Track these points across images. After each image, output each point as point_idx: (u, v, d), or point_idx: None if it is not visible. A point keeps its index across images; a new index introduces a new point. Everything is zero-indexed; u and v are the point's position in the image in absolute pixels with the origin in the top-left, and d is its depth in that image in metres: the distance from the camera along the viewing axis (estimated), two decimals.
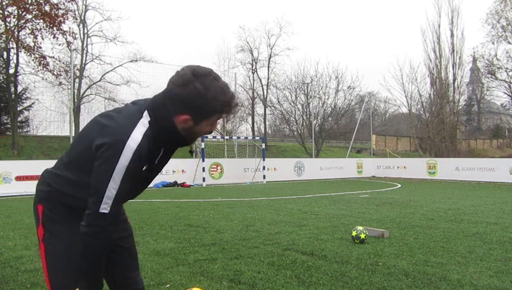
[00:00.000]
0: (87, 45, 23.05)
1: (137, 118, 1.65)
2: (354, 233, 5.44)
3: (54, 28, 19.85)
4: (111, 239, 1.65)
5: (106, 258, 1.71)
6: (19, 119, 23.30)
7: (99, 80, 23.60)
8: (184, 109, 1.62)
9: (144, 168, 1.69)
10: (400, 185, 16.86)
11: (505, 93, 37.28)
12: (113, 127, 1.61)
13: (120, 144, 1.56)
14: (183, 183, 17.26)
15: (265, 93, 30.84)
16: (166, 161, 1.86)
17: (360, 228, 5.52)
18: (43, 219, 1.76)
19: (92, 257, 1.64)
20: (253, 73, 30.61)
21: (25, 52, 19.82)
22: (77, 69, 22.06)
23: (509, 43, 31.88)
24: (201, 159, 18.02)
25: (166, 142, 1.73)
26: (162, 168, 1.89)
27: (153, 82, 22.57)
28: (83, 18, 22.80)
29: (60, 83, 22.18)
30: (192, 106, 1.61)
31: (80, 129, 22.92)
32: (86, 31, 23.05)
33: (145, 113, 1.66)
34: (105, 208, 1.58)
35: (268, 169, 20.02)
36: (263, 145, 20.18)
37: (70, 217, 1.73)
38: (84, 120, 24.82)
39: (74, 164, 1.72)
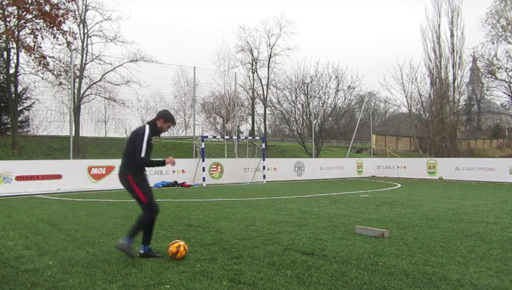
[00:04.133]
0: (87, 44, 22.99)
1: (144, 126, 4.99)
2: None
3: (54, 28, 19.81)
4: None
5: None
6: (19, 119, 23.31)
7: (99, 80, 23.53)
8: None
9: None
10: (399, 185, 16.87)
11: (505, 93, 37.23)
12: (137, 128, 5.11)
13: (143, 129, 4.91)
14: (183, 183, 17.26)
15: (265, 93, 30.80)
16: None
17: None
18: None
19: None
20: (253, 73, 30.57)
21: (25, 52, 19.77)
22: (77, 69, 22.00)
23: (509, 43, 31.87)
24: (201, 159, 18.02)
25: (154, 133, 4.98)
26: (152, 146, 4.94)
27: (153, 82, 22.53)
28: (83, 18, 22.73)
29: (60, 83, 22.16)
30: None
31: (80, 129, 22.96)
32: (86, 31, 22.99)
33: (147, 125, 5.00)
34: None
35: (268, 169, 20.02)
36: (263, 145, 20.18)
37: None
38: (84, 120, 24.81)
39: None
